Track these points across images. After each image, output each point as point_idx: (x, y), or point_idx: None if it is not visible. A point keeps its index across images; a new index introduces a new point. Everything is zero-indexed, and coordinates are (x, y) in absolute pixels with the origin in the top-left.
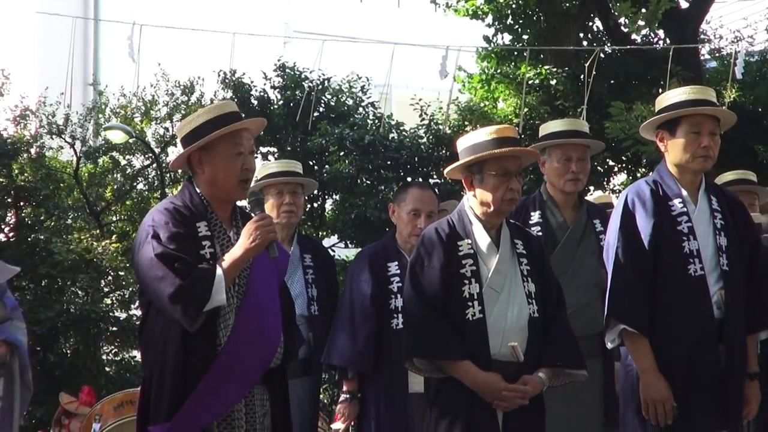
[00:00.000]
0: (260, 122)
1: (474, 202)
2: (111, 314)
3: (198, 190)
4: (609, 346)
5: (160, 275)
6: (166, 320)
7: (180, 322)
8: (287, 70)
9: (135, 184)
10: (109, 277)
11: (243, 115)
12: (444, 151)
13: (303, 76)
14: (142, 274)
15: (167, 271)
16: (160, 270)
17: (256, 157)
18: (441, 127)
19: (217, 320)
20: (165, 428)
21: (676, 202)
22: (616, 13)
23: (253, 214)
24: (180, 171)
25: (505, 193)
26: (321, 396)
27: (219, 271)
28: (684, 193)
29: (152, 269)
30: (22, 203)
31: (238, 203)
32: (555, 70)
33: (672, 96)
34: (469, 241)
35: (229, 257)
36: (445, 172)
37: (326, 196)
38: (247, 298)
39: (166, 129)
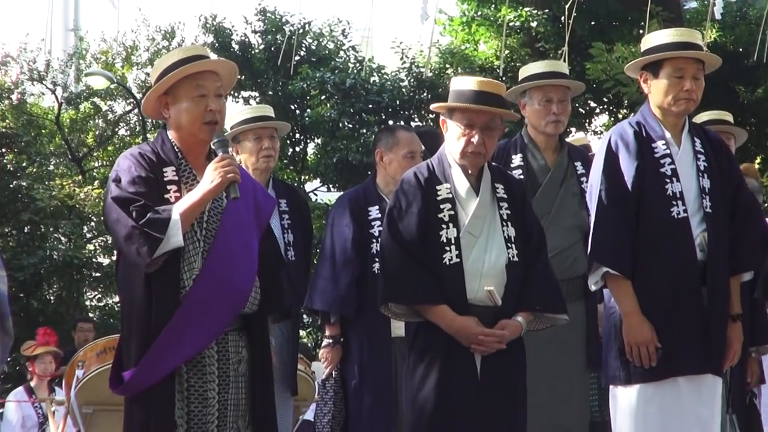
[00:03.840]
0: (227, 65)
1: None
2: (94, 260)
3: (170, 137)
4: (592, 288)
5: (115, 217)
6: (129, 263)
7: (138, 264)
8: (268, 15)
9: (117, 129)
10: (92, 223)
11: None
12: (425, 94)
13: (284, 20)
14: (105, 217)
15: (121, 213)
16: (115, 212)
17: (237, 102)
18: (422, 70)
19: (180, 263)
20: (134, 372)
21: (660, 144)
22: None
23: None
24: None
25: (467, 146)
26: (305, 340)
27: (175, 213)
28: (667, 135)
29: (110, 212)
30: (3, 150)
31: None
32: (535, 12)
33: (656, 37)
34: (448, 186)
35: (187, 199)
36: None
37: (308, 140)
38: (216, 242)
39: (147, 74)
